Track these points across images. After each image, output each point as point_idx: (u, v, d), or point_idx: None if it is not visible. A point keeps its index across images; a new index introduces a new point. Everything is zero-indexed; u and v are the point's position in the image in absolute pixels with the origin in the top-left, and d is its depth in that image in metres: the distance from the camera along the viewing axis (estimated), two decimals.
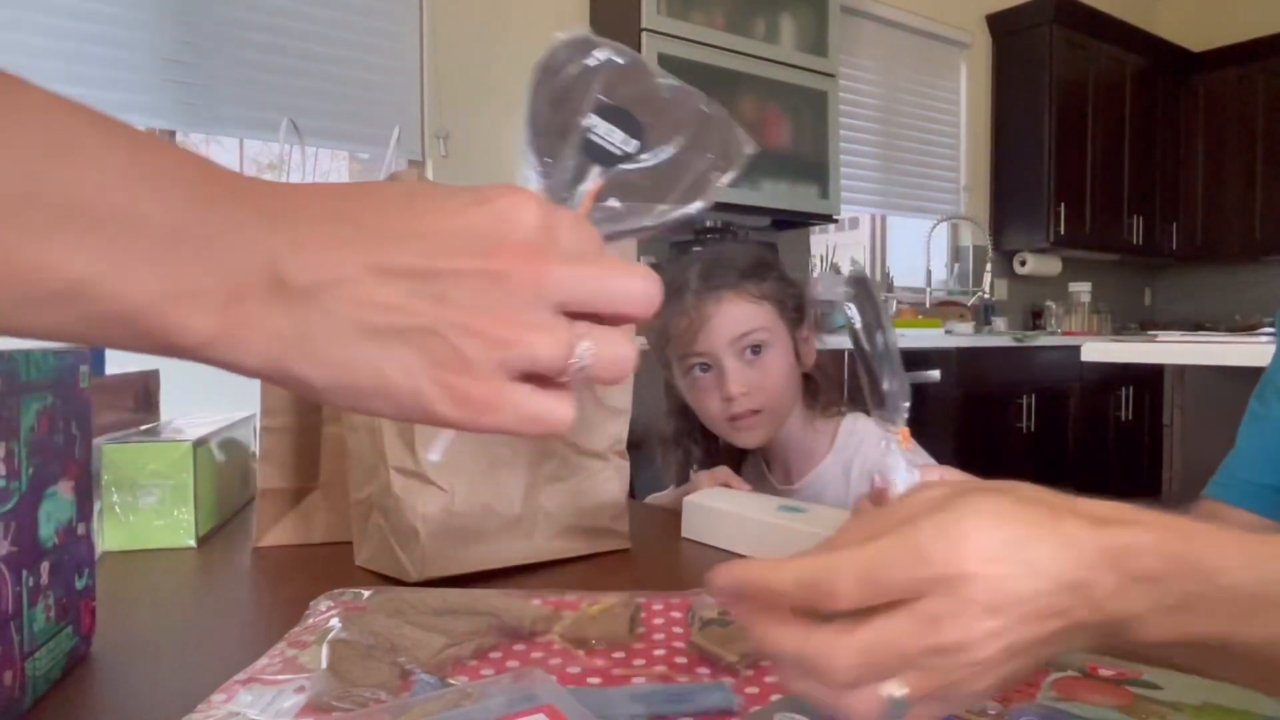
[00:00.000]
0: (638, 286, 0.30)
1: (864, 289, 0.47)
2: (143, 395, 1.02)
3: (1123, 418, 3.95)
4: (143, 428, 0.91)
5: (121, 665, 0.53)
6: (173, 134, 2.41)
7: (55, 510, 0.48)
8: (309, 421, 0.81)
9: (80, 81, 2.15)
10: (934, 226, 4.02)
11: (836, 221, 3.40)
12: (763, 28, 3.10)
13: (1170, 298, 5.36)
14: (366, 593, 0.56)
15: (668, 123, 0.37)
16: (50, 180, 0.25)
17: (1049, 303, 4.46)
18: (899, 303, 3.79)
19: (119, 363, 0.97)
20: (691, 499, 0.84)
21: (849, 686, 0.32)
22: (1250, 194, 4.68)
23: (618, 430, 0.78)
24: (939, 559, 0.32)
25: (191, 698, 0.43)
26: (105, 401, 0.92)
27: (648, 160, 0.36)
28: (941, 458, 1.18)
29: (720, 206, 3.02)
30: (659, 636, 0.52)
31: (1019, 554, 0.32)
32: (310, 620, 0.53)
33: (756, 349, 1.01)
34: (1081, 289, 4.46)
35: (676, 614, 0.56)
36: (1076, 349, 2.05)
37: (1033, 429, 3.52)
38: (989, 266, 4.13)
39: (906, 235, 4.24)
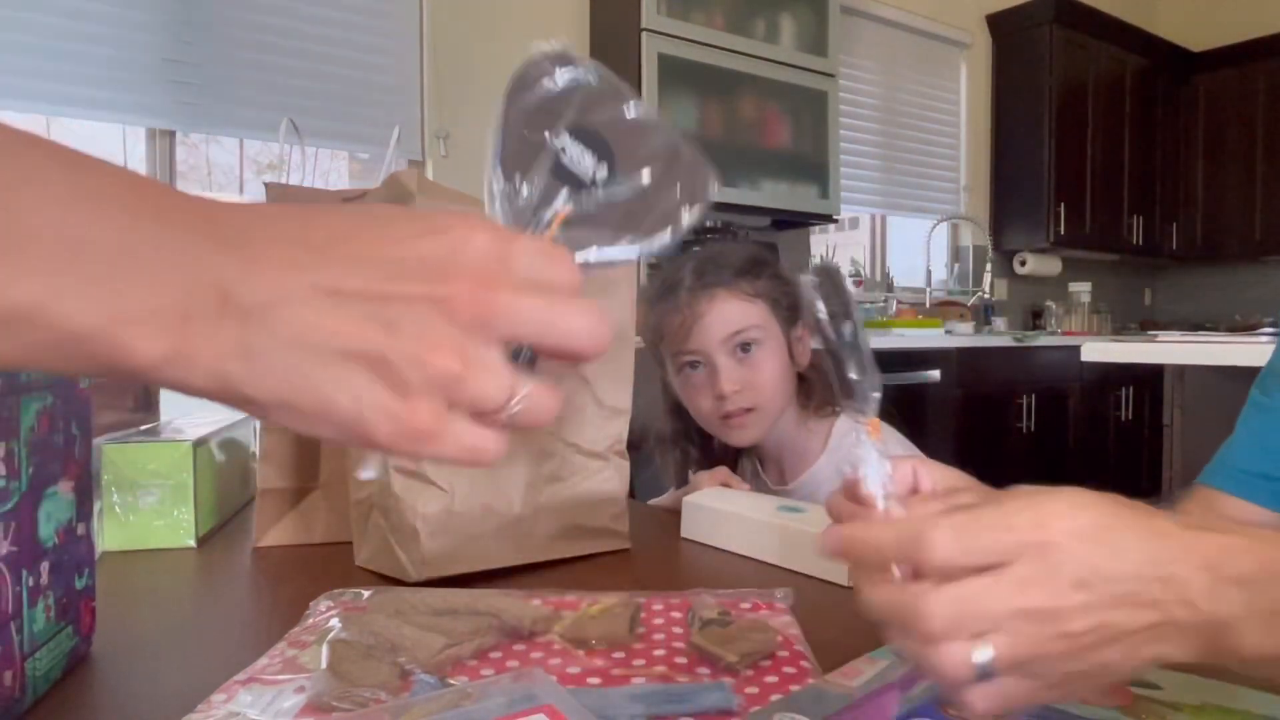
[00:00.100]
0: (584, 326, 0.31)
1: (830, 279, 0.47)
2: (143, 395, 1.02)
3: (1123, 418, 3.95)
4: (143, 428, 0.91)
5: (121, 665, 0.53)
6: (173, 134, 2.41)
7: (55, 510, 0.48)
8: None
9: (81, 81, 2.15)
10: (934, 226, 4.02)
11: (836, 221, 3.40)
12: (763, 28, 3.10)
13: (1170, 298, 5.36)
14: (366, 593, 0.56)
15: (639, 151, 0.36)
16: None
17: (1049, 303, 4.46)
18: (899, 303, 3.79)
19: None
20: (691, 499, 0.84)
21: (938, 640, 0.33)
22: (1250, 194, 4.68)
23: (618, 430, 0.78)
24: (1025, 525, 0.33)
25: (191, 698, 0.43)
26: (105, 401, 0.92)
27: (616, 188, 0.35)
28: (942, 458, 1.18)
29: (720, 206, 3.02)
30: (659, 636, 0.52)
31: (1107, 535, 0.33)
32: (310, 620, 0.53)
33: (748, 347, 1.01)
34: (1081, 289, 4.46)
35: (676, 614, 0.56)
36: (1076, 349, 2.05)
37: (1033, 429, 3.52)
38: (989, 266, 4.13)
39: (906, 235, 4.24)
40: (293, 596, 0.59)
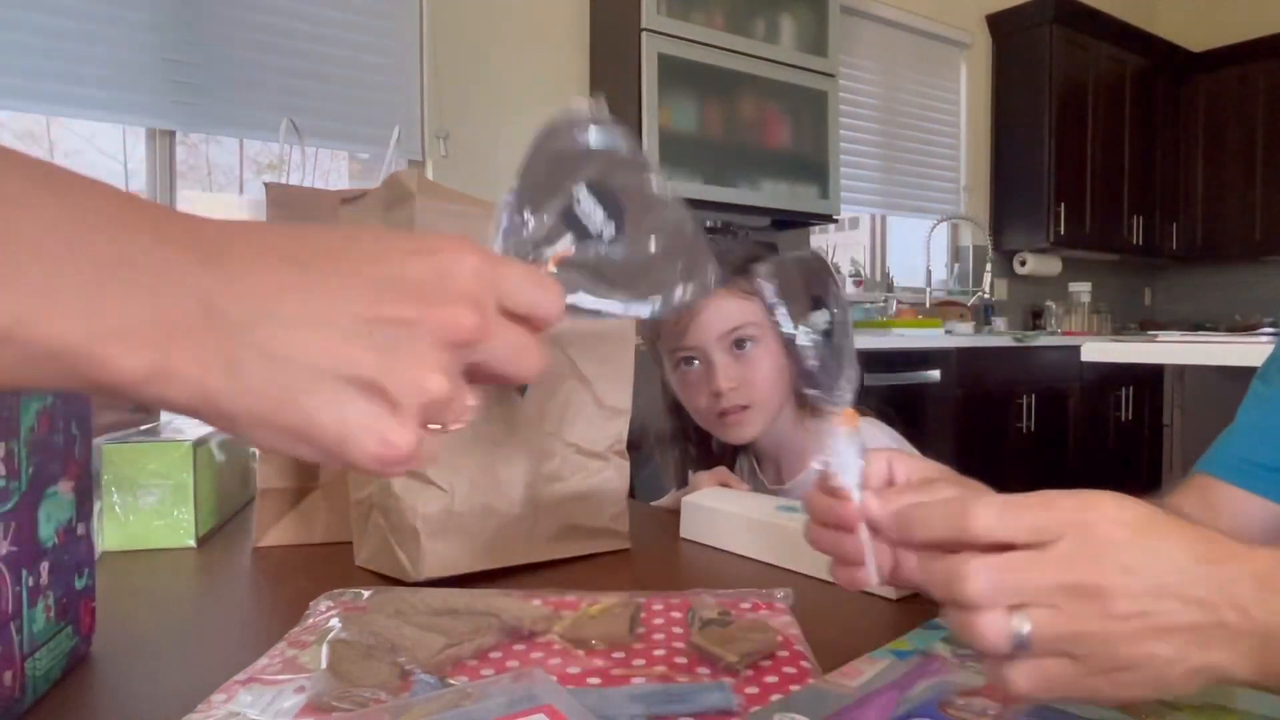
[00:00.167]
0: (535, 366, 0.32)
1: (809, 269, 0.48)
2: None
3: (1123, 418, 3.95)
4: (143, 427, 0.91)
5: (121, 665, 0.53)
6: (173, 134, 2.41)
7: (55, 510, 0.48)
8: None
9: (81, 81, 2.15)
10: (934, 226, 4.02)
11: (836, 221, 3.40)
12: (763, 28, 3.10)
13: (1170, 298, 5.36)
14: (366, 593, 0.56)
15: (648, 221, 0.38)
16: None
17: (1049, 303, 4.46)
18: (899, 303, 3.78)
19: None
20: (690, 499, 0.84)
21: (976, 606, 0.34)
22: (1250, 194, 4.68)
23: (618, 430, 0.78)
24: (1070, 506, 0.34)
25: (191, 698, 0.43)
26: (105, 401, 0.92)
27: (618, 247, 0.37)
28: (942, 458, 1.18)
29: (720, 206, 3.03)
30: (659, 636, 0.52)
31: (1153, 528, 0.33)
32: (310, 620, 0.53)
33: (745, 344, 1.01)
34: (1081, 289, 4.46)
35: (676, 614, 0.56)
36: (1076, 349, 2.05)
37: (1033, 429, 3.52)
38: (989, 266, 4.13)
39: (906, 235, 4.24)
40: (293, 596, 0.59)
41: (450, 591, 0.57)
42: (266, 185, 0.84)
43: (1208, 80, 4.82)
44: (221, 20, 2.35)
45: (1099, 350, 1.95)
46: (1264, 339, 1.87)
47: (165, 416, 1.04)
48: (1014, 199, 4.34)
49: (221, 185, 2.85)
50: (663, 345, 1.06)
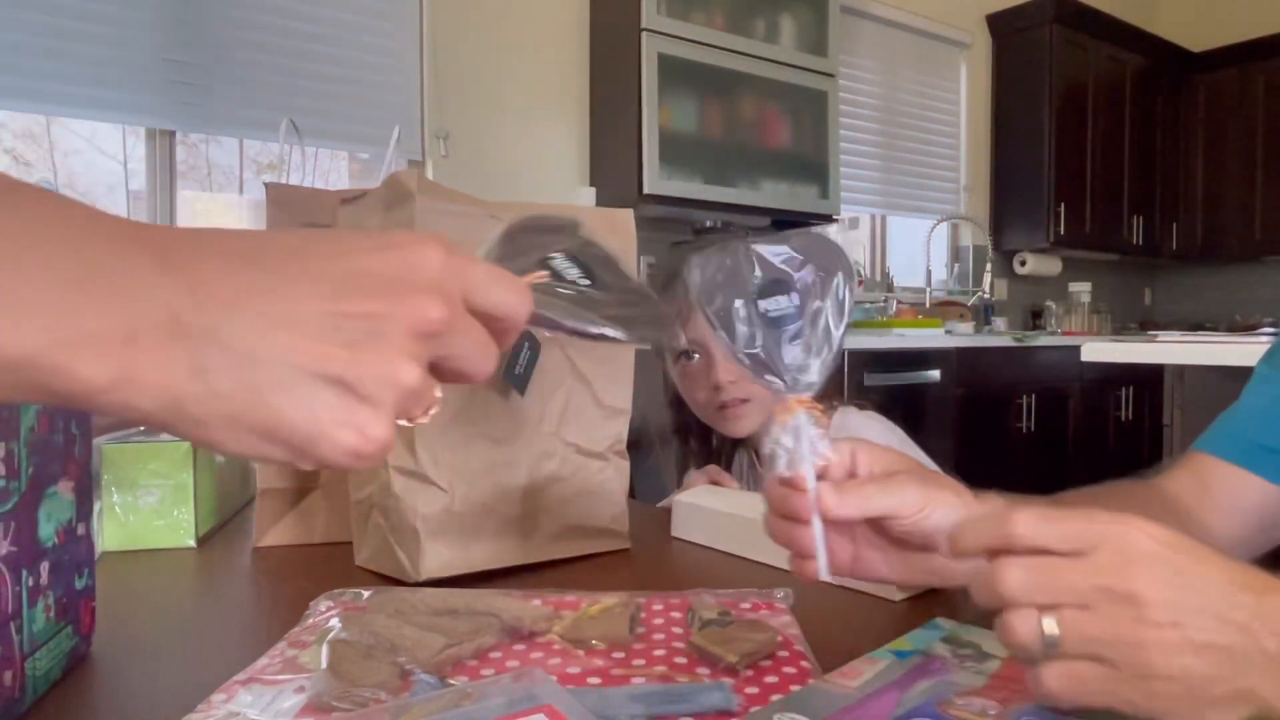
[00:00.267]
0: (491, 367, 0.32)
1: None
2: None
3: (1123, 418, 3.95)
4: (143, 427, 0.91)
5: (121, 665, 0.53)
6: (173, 134, 2.41)
7: (55, 510, 0.48)
8: None
9: (81, 81, 2.15)
10: (934, 226, 4.02)
11: (837, 221, 3.40)
12: (763, 28, 3.10)
13: (1170, 298, 5.36)
14: (366, 593, 0.56)
15: (620, 284, 0.41)
16: None
17: (1049, 303, 4.46)
18: (899, 303, 3.79)
19: None
20: (680, 498, 0.84)
21: (1010, 603, 0.35)
22: (1250, 194, 4.68)
23: (618, 430, 0.78)
24: (1108, 519, 0.35)
25: (191, 698, 0.43)
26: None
27: (590, 287, 0.39)
28: (941, 458, 1.18)
29: (720, 206, 3.03)
30: (659, 636, 0.52)
31: (1191, 549, 0.34)
32: (310, 620, 0.53)
33: None
34: (1081, 289, 4.46)
35: (676, 614, 0.56)
36: (1076, 349, 2.05)
37: (1033, 429, 3.52)
38: (989, 266, 4.13)
39: (906, 235, 4.24)
40: (293, 596, 0.59)
41: (450, 591, 0.57)
42: (266, 185, 0.84)
43: (1208, 80, 4.82)
44: (221, 20, 2.35)
45: (1099, 350, 1.95)
46: (1264, 339, 1.87)
47: None
48: (1014, 199, 4.34)
49: (221, 185, 2.85)
50: (664, 339, 1.06)
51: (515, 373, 0.69)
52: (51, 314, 0.25)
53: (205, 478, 0.83)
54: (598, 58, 3.00)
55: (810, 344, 0.48)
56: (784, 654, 0.49)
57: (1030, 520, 0.36)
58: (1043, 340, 3.65)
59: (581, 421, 0.75)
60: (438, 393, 0.31)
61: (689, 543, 0.82)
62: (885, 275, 4.08)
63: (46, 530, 0.47)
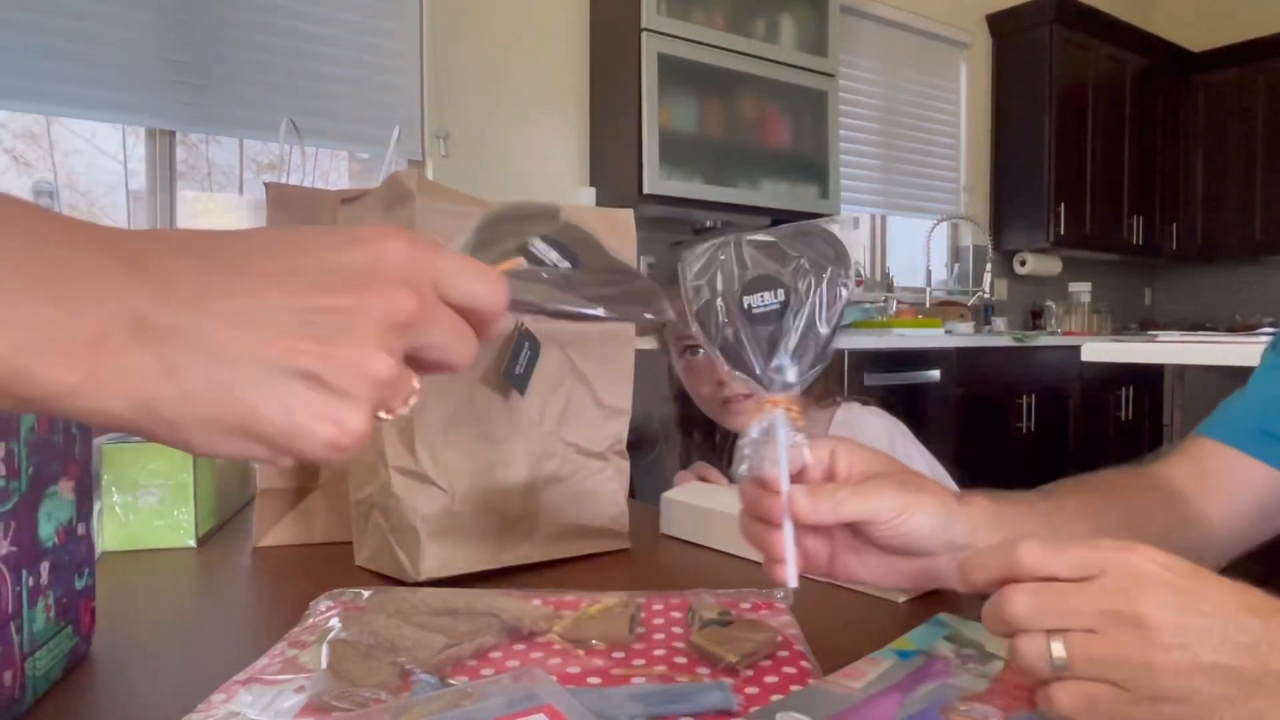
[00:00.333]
0: (471, 353, 0.32)
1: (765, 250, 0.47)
2: None
3: (1123, 418, 3.95)
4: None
5: (121, 665, 0.53)
6: (173, 134, 2.41)
7: (55, 510, 0.48)
8: None
9: (81, 81, 2.15)
10: (934, 226, 4.02)
11: (837, 222, 3.40)
12: (763, 27, 3.10)
13: (1170, 298, 5.35)
14: (366, 593, 0.56)
15: (602, 263, 0.40)
16: None
17: (1049, 303, 4.46)
18: (899, 303, 3.79)
19: None
20: (667, 495, 0.84)
21: (1017, 627, 0.35)
22: (1250, 194, 4.68)
23: (617, 430, 0.78)
24: (1113, 546, 0.35)
25: (191, 698, 0.43)
26: None
27: (568, 271, 0.38)
28: (941, 458, 1.18)
29: (720, 206, 3.03)
30: (659, 636, 0.52)
31: (1196, 574, 0.34)
32: (310, 620, 0.53)
33: None
34: (1081, 289, 4.46)
35: (676, 614, 0.56)
36: (1076, 349, 2.05)
37: (1033, 429, 3.52)
38: (989, 266, 4.13)
39: (906, 235, 4.24)
40: (293, 596, 0.59)
41: (450, 591, 0.57)
42: (266, 185, 0.84)
43: (1208, 80, 4.82)
44: (221, 20, 2.35)
45: (1099, 350, 1.95)
46: (1264, 339, 1.87)
47: None
48: (1014, 199, 4.34)
49: (221, 185, 2.85)
50: (669, 333, 1.06)
51: (515, 373, 0.69)
52: (15, 319, 0.25)
53: (205, 478, 0.83)
54: (598, 58, 3.00)
55: (791, 344, 0.47)
56: (784, 654, 0.49)
57: (1036, 549, 0.36)
58: (1043, 340, 3.65)
59: (581, 421, 0.75)
60: (416, 383, 0.31)
61: (679, 540, 0.82)
62: (885, 275, 4.08)
63: (46, 530, 0.47)
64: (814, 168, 3.26)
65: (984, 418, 3.35)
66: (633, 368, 0.78)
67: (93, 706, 0.48)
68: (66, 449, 0.49)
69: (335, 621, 0.51)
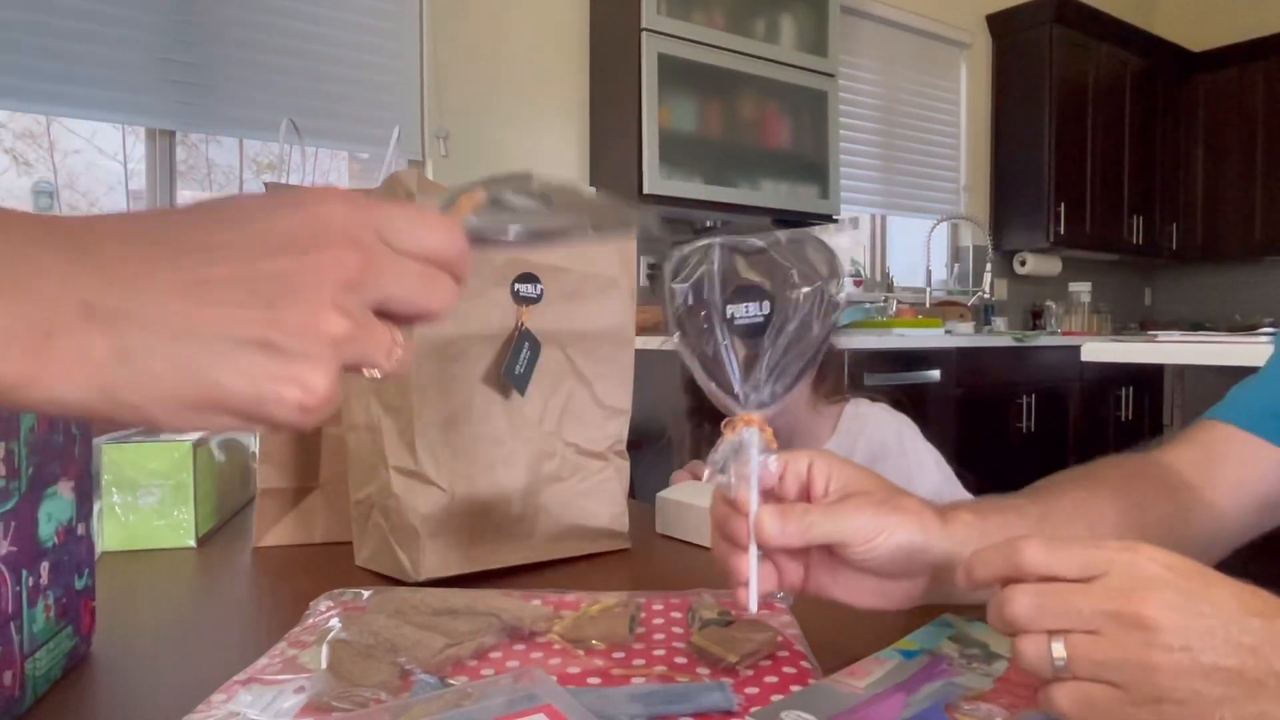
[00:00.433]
0: (446, 299, 0.32)
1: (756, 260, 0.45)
2: None
3: (1123, 418, 3.95)
4: (143, 427, 0.91)
5: (121, 665, 0.53)
6: (173, 134, 2.41)
7: (55, 510, 0.48)
8: None
9: (81, 81, 2.15)
10: (934, 226, 4.02)
11: (837, 221, 3.40)
12: (763, 27, 3.10)
13: (1170, 298, 5.35)
14: (366, 593, 0.56)
15: (576, 199, 0.38)
16: None
17: (1049, 303, 4.46)
18: (899, 303, 3.78)
19: None
20: (662, 494, 0.84)
21: (1019, 628, 0.35)
22: (1250, 194, 4.68)
23: (618, 430, 0.78)
24: (1116, 546, 0.35)
25: (191, 698, 0.43)
26: None
27: (537, 202, 0.37)
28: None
29: (720, 206, 3.03)
30: (659, 636, 0.52)
31: (1199, 574, 0.34)
32: (310, 620, 0.53)
33: None
34: (1081, 289, 4.46)
35: (676, 614, 0.56)
36: (1076, 349, 2.05)
37: (1033, 429, 3.52)
38: (989, 266, 4.12)
39: (906, 235, 4.24)
40: (293, 596, 0.59)
41: (450, 591, 0.57)
42: (266, 185, 0.84)
43: (1208, 80, 4.82)
44: (221, 20, 2.35)
45: (1099, 350, 1.95)
46: (1264, 339, 1.87)
47: None
48: (1014, 199, 4.34)
49: (221, 185, 2.85)
50: None
51: (515, 373, 0.69)
52: None
53: (205, 478, 0.83)
54: (598, 58, 3.00)
55: (772, 361, 0.44)
56: (784, 654, 0.49)
57: (1039, 548, 0.36)
58: (1043, 340, 3.65)
59: (581, 421, 0.75)
60: (399, 337, 0.31)
61: (679, 540, 0.82)
62: (885, 275, 4.08)
63: (46, 530, 0.47)
64: (814, 168, 3.26)
65: (984, 418, 3.35)
66: (633, 368, 0.78)
67: (93, 706, 0.48)
68: (66, 449, 0.49)
69: (335, 621, 0.51)
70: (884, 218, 4.18)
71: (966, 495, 1.12)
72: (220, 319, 0.27)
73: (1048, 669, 0.35)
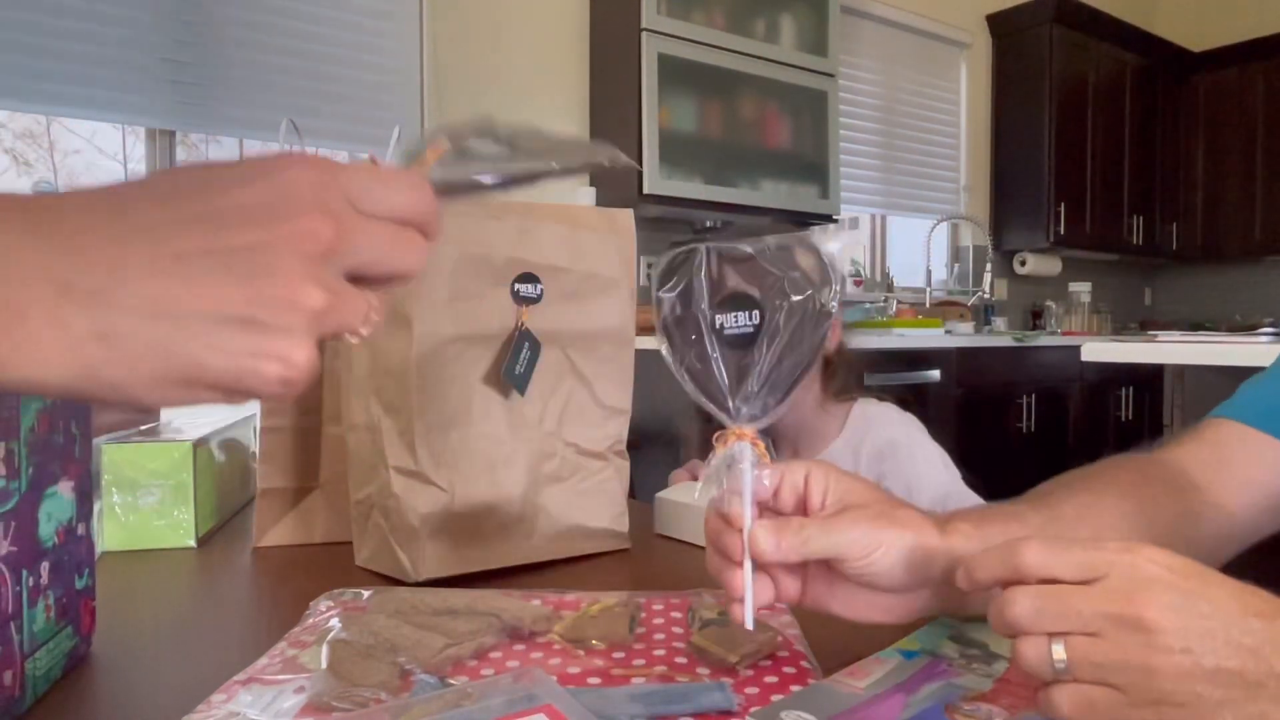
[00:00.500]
0: (418, 259, 0.32)
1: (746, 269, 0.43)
2: None
3: (1123, 418, 3.95)
4: (143, 427, 0.91)
5: (121, 665, 0.53)
6: (173, 134, 2.41)
7: (55, 510, 0.48)
8: (309, 422, 0.81)
9: (81, 81, 2.15)
10: (934, 226, 4.02)
11: (837, 221, 3.40)
12: (763, 27, 3.10)
13: (1170, 298, 5.35)
14: (366, 593, 0.56)
15: (546, 138, 0.37)
16: None
17: (1049, 303, 4.46)
18: (899, 303, 3.78)
19: None
20: (661, 495, 0.84)
21: (1019, 630, 0.35)
22: (1250, 194, 4.68)
23: (618, 430, 0.78)
24: (1117, 547, 0.35)
25: (191, 698, 0.43)
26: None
27: (501, 144, 0.36)
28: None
29: (720, 206, 3.02)
30: (659, 636, 0.52)
31: (1200, 574, 0.34)
32: (310, 620, 0.53)
33: None
34: (1081, 289, 4.46)
35: (676, 614, 0.56)
36: (1076, 349, 2.05)
37: (1033, 429, 3.52)
38: (989, 266, 4.12)
39: (906, 235, 4.24)
40: (293, 596, 0.59)
41: (450, 591, 0.57)
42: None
43: (1208, 80, 4.82)
44: (221, 20, 2.35)
45: (1099, 350, 1.95)
46: (1264, 339, 1.87)
47: (165, 416, 1.04)
48: (1014, 199, 4.34)
49: None
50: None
51: (515, 373, 0.69)
52: None
53: (205, 478, 0.83)
54: (597, 58, 3.00)
55: (763, 372, 0.43)
56: (784, 654, 0.49)
57: (1039, 550, 0.36)
58: (1043, 340, 3.65)
59: (581, 421, 0.75)
60: (374, 301, 0.31)
61: (678, 540, 0.82)
62: (885, 275, 4.08)
63: (46, 530, 0.47)
64: (814, 168, 3.26)
65: (984, 418, 3.35)
66: (633, 368, 0.78)
67: (93, 706, 0.48)
68: (66, 449, 0.49)
69: (335, 621, 0.51)
70: (884, 218, 4.18)
71: (973, 496, 1.11)
72: (198, 297, 0.27)
73: (1048, 671, 0.35)
